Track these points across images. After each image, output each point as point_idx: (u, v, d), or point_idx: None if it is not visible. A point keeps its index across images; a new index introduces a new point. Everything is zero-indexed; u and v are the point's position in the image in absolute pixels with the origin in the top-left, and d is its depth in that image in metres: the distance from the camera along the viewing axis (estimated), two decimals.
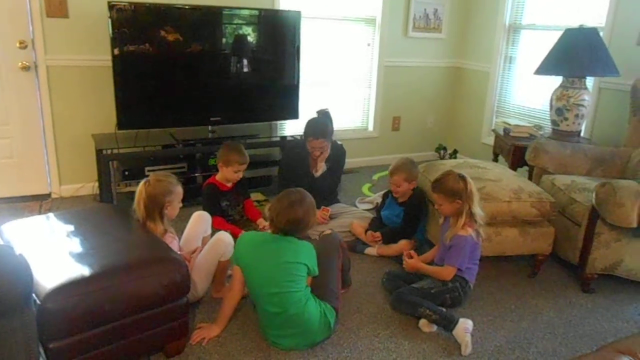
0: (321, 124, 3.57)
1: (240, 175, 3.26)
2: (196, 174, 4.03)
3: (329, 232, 2.72)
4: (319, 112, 3.66)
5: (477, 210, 2.62)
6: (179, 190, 2.53)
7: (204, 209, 3.14)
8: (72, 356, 1.95)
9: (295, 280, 2.29)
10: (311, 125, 3.56)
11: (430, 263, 2.85)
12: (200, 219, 2.82)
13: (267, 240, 2.37)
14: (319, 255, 2.42)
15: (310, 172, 3.59)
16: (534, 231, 3.06)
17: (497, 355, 2.43)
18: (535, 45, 4.66)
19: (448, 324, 2.48)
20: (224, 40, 3.95)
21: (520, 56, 4.85)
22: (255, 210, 3.48)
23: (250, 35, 4.05)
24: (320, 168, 3.59)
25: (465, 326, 2.45)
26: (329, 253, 2.50)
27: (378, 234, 3.31)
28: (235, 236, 2.86)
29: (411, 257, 2.83)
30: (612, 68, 3.65)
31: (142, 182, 2.46)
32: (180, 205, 2.57)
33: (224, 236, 2.68)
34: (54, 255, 2.12)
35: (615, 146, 3.66)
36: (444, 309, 2.58)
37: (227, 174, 3.22)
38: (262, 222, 3.34)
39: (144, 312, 2.10)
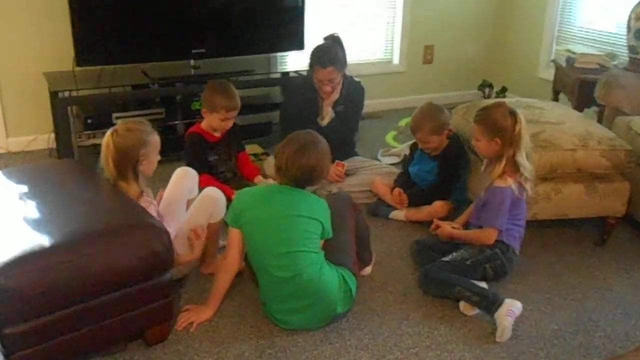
0: (330, 48, 3.55)
1: (230, 123, 3.24)
2: (176, 122, 4.03)
3: (336, 190, 2.73)
4: (326, 39, 3.62)
5: (523, 160, 2.61)
6: (155, 139, 2.53)
7: (187, 165, 3.15)
8: (32, 344, 1.99)
9: (310, 237, 2.36)
10: (317, 51, 3.54)
11: (467, 227, 2.87)
12: (184, 177, 2.84)
13: (273, 191, 2.44)
14: (332, 218, 2.45)
15: (313, 124, 3.57)
16: (604, 187, 3.05)
17: (556, 340, 2.46)
18: None
19: (490, 306, 2.50)
20: None
21: None
22: (251, 166, 3.50)
23: None
24: (327, 114, 3.57)
25: (509, 308, 2.47)
26: (341, 214, 2.54)
27: (404, 195, 3.32)
28: (228, 198, 2.88)
29: (438, 227, 2.85)
30: None
31: (108, 133, 2.46)
32: (158, 158, 2.57)
33: (213, 192, 2.70)
34: (3, 222, 2.14)
35: None
36: (485, 287, 2.60)
37: (213, 122, 3.21)
38: (260, 180, 3.36)
39: (118, 290, 2.12)
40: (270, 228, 2.36)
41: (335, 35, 3.64)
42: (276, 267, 2.35)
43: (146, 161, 2.49)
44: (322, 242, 2.42)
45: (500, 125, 2.61)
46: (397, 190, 3.35)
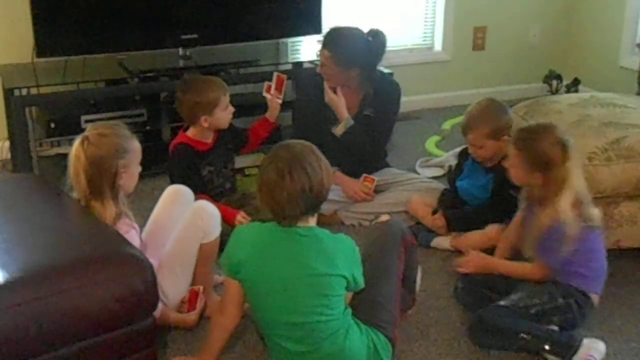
0: (342, 32, 3.59)
1: (231, 107, 3.28)
2: (161, 126, 4.06)
3: (386, 217, 2.71)
4: (370, 32, 3.61)
5: (565, 204, 2.57)
6: (135, 146, 2.56)
7: (173, 183, 3.16)
8: None
9: (331, 302, 2.27)
10: (330, 29, 3.63)
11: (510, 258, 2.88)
12: (177, 197, 2.87)
13: (274, 236, 2.32)
14: (368, 257, 2.43)
15: (332, 126, 3.60)
16: None
17: None
18: None
19: (564, 351, 2.50)
20: None
21: None
22: (264, 126, 3.59)
23: None
24: (343, 121, 3.57)
25: (588, 353, 2.46)
26: (386, 255, 2.50)
27: (442, 219, 3.33)
28: (229, 223, 2.89)
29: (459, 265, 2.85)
30: None
31: (76, 142, 2.48)
32: (139, 169, 2.60)
33: (206, 205, 2.72)
34: None
35: None
36: (556, 329, 2.59)
37: (219, 120, 3.23)
38: (240, 218, 3.28)
39: (90, 338, 2.12)
40: (278, 292, 2.28)
41: (380, 32, 3.61)
42: (288, 339, 2.31)
43: (126, 174, 2.51)
44: (349, 294, 2.38)
45: (544, 160, 2.61)
46: (438, 215, 3.37)
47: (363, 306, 2.39)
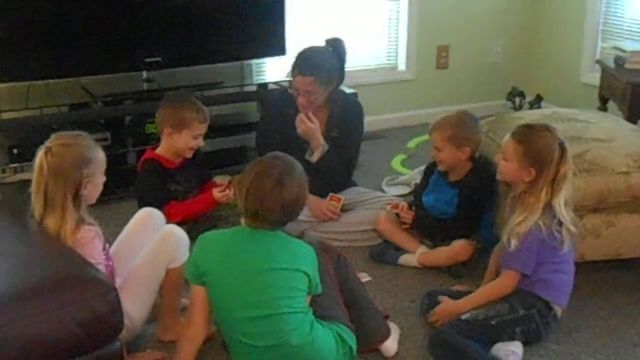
0: (318, 54, 3.56)
1: (201, 141, 3.27)
2: (126, 149, 4.03)
3: (311, 233, 2.81)
4: (327, 42, 3.62)
5: (560, 207, 2.62)
6: (100, 155, 2.55)
7: (142, 202, 3.15)
8: None
9: (295, 296, 2.34)
10: (301, 54, 3.55)
11: None
12: (148, 220, 2.85)
13: (244, 237, 2.41)
14: None
15: (304, 147, 3.57)
16: None
17: None
18: None
19: None
20: None
21: None
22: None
23: None
24: (318, 148, 3.54)
25: None
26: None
27: (412, 213, 3.35)
28: (212, 207, 3.03)
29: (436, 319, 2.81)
30: None
31: (39, 153, 2.46)
32: (104, 179, 2.58)
33: (175, 229, 2.71)
34: None
35: None
36: (515, 351, 2.59)
37: (182, 142, 3.23)
38: (217, 194, 3.28)
39: None
40: (243, 287, 2.34)
41: (339, 39, 3.63)
42: (253, 336, 2.33)
43: (91, 183, 2.49)
44: (308, 298, 2.42)
45: (543, 156, 2.64)
46: (403, 204, 3.38)
47: (317, 307, 2.44)
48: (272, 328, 2.32)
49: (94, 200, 2.57)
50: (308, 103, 3.50)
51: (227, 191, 3.22)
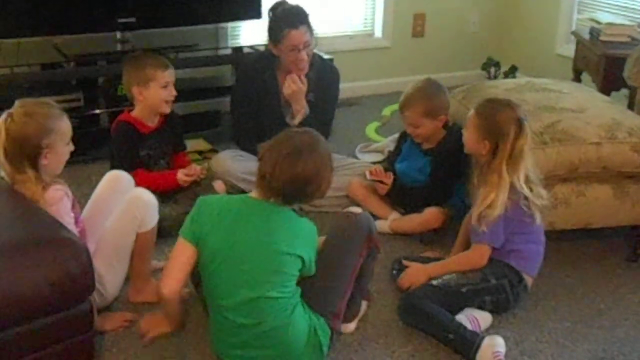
0: (295, 7, 3.55)
1: (173, 90, 3.23)
2: (98, 110, 4.00)
3: (357, 210, 2.68)
4: (273, 7, 3.61)
5: (521, 185, 2.63)
6: (62, 125, 2.50)
7: (114, 165, 3.14)
8: None
9: (285, 280, 2.31)
10: (281, 12, 3.52)
11: None
12: (116, 183, 2.84)
13: (245, 207, 2.37)
14: (329, 244, 2.46)
15: (279, 112, 3.56)
16: (637, 190, 3.10)
17: None
18: None
19: (467, 349, 2.52)
20: None
21: None
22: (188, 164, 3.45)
23: None
24: (300, 110, 3.54)
25: (492, 350, 2.49)
26: (347, 245, 2.50)
27: (388, 173, 3.34)
28: (173, 187, 3.05)
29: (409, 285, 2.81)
30: None
31: (1, 117, 2.43)
32: (71, 148, 2.55)
33: (142, 193, 2.69)
34: None
35: None
36: (466, 326, 2.59)
37: (153, 96, 3.18)
38: (181, 176, 3.26)
39: (23, 325, 2.10)
40: (233, 261, 2.30)
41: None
42: (234, 311, 2.32)
43: (51, 153, 2.45)
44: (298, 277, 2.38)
45: (498, 130, 2.66)
46: (377, 167, 3.38)
47: (311, 291, 2.41)
48: (252, 309, 2.30)
49: (58, 171, 2.53)
50: (307, 60, 3.49)
51: (192, 176, 3.21)
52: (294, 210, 2.41)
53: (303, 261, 2.33)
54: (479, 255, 2.74)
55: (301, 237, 2.34)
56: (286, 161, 2.27)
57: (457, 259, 2.82)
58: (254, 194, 2.38)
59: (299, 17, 3.45)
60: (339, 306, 2.47)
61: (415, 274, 2.82)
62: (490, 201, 2.63)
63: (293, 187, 2.30)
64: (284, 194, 2.31)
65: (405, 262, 2.91)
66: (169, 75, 3.21)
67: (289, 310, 2.32)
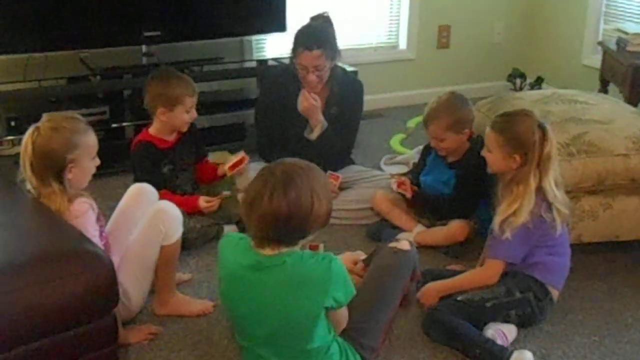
0: (319, 28, 3.55)
1: (195, 113, 3.25)
2: (124, 123, 4.02)
3: (407, 246, 2.62)
4: (313, 19, 3.62)
5: (551, 187, 2.61)
6: (88, 140, 2.51)
7: (136, 181, 3.14)
8: None
9: (314, 335, 2.21)
10: (302, 30, 3.53)
11: None
12: (140, 195, 2.84)
13: (249, 266, 2.21)
14: (374, 277, 2.48)
15: (303, 125, 3.55)
16: None
17: None
18: None
19: None
20: None
21: None
22: (212, 169, 3.47)
23: None
24: (317, 125, 3.53)
25: None
26: (393, 282, 2.51)
27: (412, 187, 3.32)
28: (194, 212, 3.03)
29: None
30: None
31: (28, 131, 2.45)
32: (96, 163, 2.56)
33: (167, 206, 2.70)
34: None
35: None
36: (493, 341, 2.57)
37: (176, 119, 3.20)
38: (203, 203, 3.24)
39: (48, 337, 2.10)
40: (258, 325, 2.25)
41: (325, 14, 3.63)
42: (266, 351, 2.29)
43: (76, 167, 2.47)
44: (337, 313, 2.28)
45: (524, 141, 2.62)
46: (405, 179, 3.36)
47: (353, 328, 2.37)
48: (284, 353, 2.27)
49: (84, 185, 2.54)
50: (319, 79, 3.49)
51: (212, 207, 3.22)
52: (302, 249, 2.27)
53: (335, 301, 2.18)
54: (492, 272, 2.70)
55: (326, 287, 2.15)
56: (255, 204, 2.11)
57: (469, 276, 2.79)
58: (254, 245, 2.21)
59: (316, 40, 3.44)
60: (379, 342, 2.46)
61: (428, 293, 2.80)
62: (514, 209, 2.61)
63: (267, 228, 2.12)
64: (273, 238, 2.15)
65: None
66: (194, 100, 3.23)
67: (323, 352, 2.26)
